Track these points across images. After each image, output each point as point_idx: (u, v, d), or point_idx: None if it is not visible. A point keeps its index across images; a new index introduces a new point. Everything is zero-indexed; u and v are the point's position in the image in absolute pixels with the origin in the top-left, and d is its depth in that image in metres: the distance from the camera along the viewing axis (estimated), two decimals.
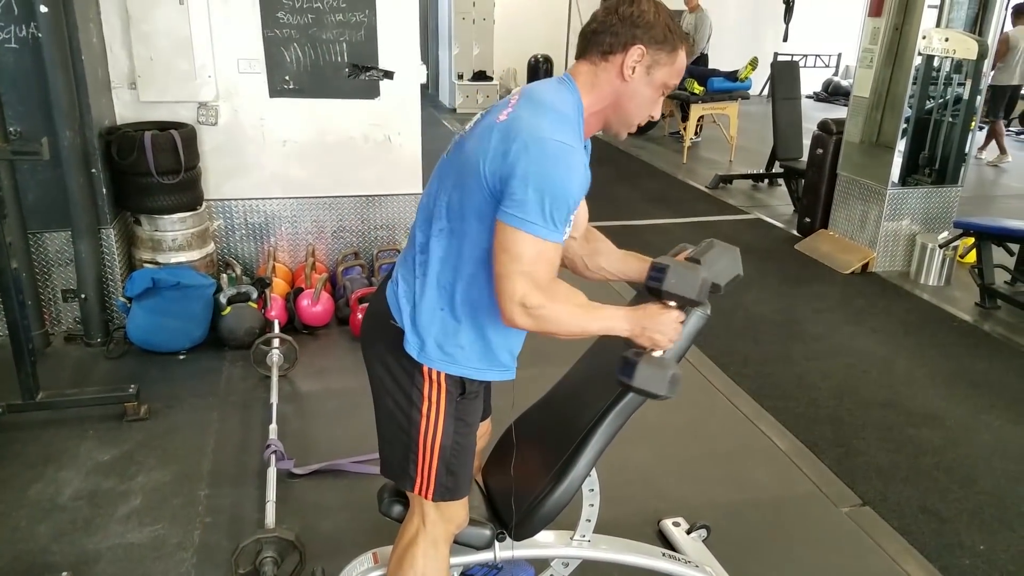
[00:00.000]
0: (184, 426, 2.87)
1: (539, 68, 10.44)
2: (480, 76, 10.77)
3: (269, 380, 3.02)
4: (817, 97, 13.14)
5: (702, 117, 8.53)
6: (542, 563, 2.12)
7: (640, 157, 8.29)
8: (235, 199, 3.92)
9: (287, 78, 3.77)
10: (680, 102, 8.39)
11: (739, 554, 2.31)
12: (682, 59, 1.49)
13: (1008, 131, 9.55)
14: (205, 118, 3.74)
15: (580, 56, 1.50)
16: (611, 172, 7.44)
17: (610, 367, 1.86)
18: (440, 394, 1.54)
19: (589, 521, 2.01)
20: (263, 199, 3.95)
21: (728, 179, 7.17)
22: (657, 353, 1.53)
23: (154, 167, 3.40)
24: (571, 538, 2.02)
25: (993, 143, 8.59)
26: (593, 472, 1.95)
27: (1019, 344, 3.92)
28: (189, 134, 3.56)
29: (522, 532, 1.79)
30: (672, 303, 1.53)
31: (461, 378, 1.55)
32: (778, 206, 6.50)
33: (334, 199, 4.05)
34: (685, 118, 8.38)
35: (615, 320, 1.51)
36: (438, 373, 1.52)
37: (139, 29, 3.50)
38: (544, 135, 1.35)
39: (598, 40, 1.46)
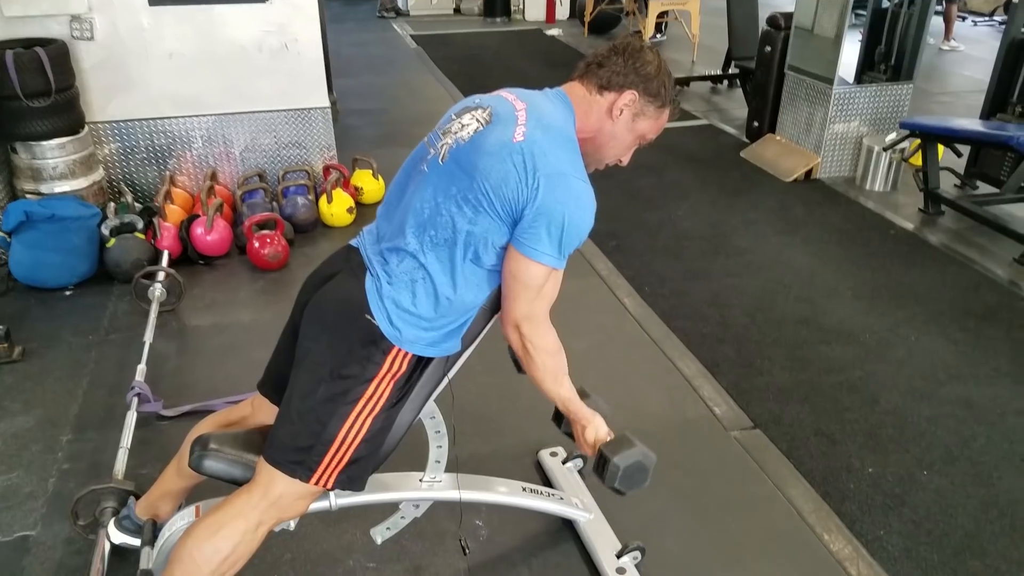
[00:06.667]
0: (58, 367, 2.74)
1: None
2: None
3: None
4: None
5: (664, 14, 8.07)
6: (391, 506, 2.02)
7: None
8: (126, 120, 3.67)
9: None
10: None
11: None
12: (665, 118, 1.59)
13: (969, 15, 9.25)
14: (80, 32, 3.44)
15: (576, 79, 1.59)
16: (566, 77, 7.07)
17: None
18: (393, 377, 1.52)
19: (439, 462, 1.92)
20: (156, 119, 3.70)
21: (685, 81, 6.83)
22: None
23: (20, 89, 3.15)
24: (420, 480, 1.93)
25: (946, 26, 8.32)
26: (437, 414, 1.85)
27: (957, 252, 3.78)
28: (59, 51, 3.28)
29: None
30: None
31: (421, 357, 1.55)
32: (733, 109, 6.21)
33: (233, 116, 3.79)
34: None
35: (578, 403, 1.64)
36: (405, 355, 1.51)
37: None
38: (567, 171, 1.43)
39: (598, 73, 1.54)
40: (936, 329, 3.09)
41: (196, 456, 1.63)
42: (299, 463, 1.51)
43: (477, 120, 1.51)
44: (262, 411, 1.76)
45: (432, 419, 1.86)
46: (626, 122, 1.55)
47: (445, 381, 1.72)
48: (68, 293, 3.22)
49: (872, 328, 3.10)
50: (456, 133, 1.52)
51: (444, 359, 1.65)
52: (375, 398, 1.52)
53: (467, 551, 1.98)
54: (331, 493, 1.77)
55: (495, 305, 1.63)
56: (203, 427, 1.79)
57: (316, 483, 1.53)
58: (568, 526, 2.10)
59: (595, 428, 1.64)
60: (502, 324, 1.57)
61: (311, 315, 1.56)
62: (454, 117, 1.57)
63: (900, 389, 2.72)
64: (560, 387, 1.62)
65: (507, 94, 1.57)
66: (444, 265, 1.49)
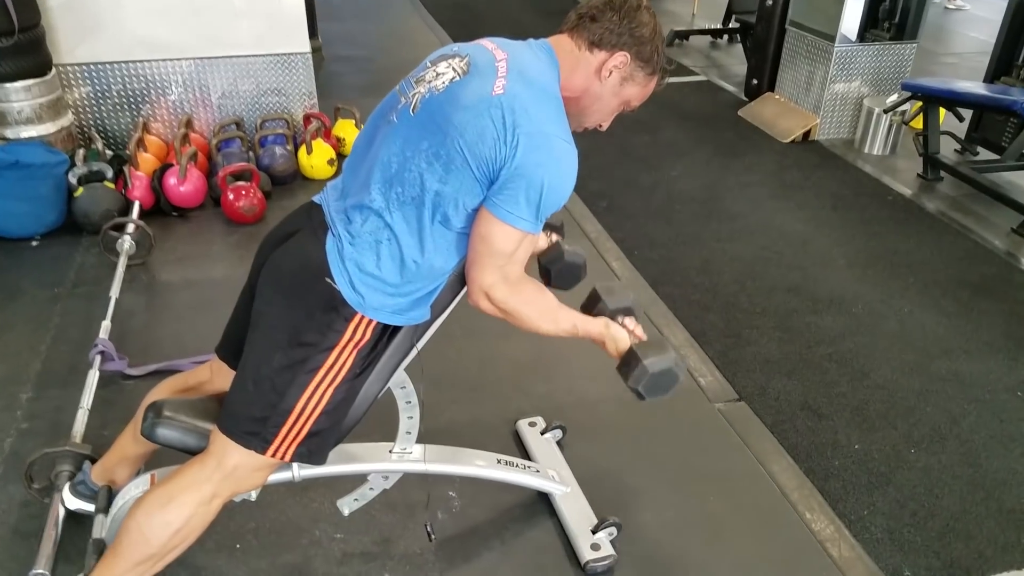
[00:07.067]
0: (20, 321, 2.64)
1: None
2: None
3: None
4: None
5: None
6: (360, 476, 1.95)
7: None
8: (97, 63, 3.49)
9: None
10: None
11: (595, 454, 2.18)
12: (652, 86, 1.50)
13: None
14: None
15: (566, 31, 1.45)
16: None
17: None
18: (356, 346, 1.43)
19: (409, 433, 1.84)
20: (129, 63, 3.52)
21: (684, 35, 6.63)
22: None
23: None
24: (389, 451, 1.86)
25: None
26: (408, 383, 1.76)
27: (954, 220, 3.68)
28: None
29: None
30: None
31: (387, 325, 1.46)
32: (732, 66, 6.03)
33: (210, 61, 3.62)
34: None
35: (585, 326, 1.53)
36: (368, 322, 1.42)
37: None
38: (550, 131, 1.33)
39: (591, 28, 1.42)
40: (929, 301, 3.02)
41: (148, 423, 1.54)
42: (254, 434, 1.43)
43: (454, 69, 1.39)
44: (221, 376, 1.67)
45: (402, 389, 1.77)
46: (613, 85, 1.44)
47: (414, 351, 1.63)
48: (34, 244, 3.09)
49: (864, 298, 3.02)
50: (430, 82, 1.40)
51: (413, 328, 1.55)
52: (336, 367, 1.43)
53: (432, 538, 1.91)
54: (293, 464, 1.70)
55: None
56: (159, 392, 1.70)
57: (273, 455, 1.45)
58: (544, 499, 2.03)
59: (614, 341, 1.53)
60: (469, 293, 1.46)
61: (267, 277, 1.46)
62: (429, 65, 1.45)
63: (890, 363, 2.65)
64: (559, 324, 1.51)
65: (488, 43, 1.45)
66: (411, 226, 1.38)
